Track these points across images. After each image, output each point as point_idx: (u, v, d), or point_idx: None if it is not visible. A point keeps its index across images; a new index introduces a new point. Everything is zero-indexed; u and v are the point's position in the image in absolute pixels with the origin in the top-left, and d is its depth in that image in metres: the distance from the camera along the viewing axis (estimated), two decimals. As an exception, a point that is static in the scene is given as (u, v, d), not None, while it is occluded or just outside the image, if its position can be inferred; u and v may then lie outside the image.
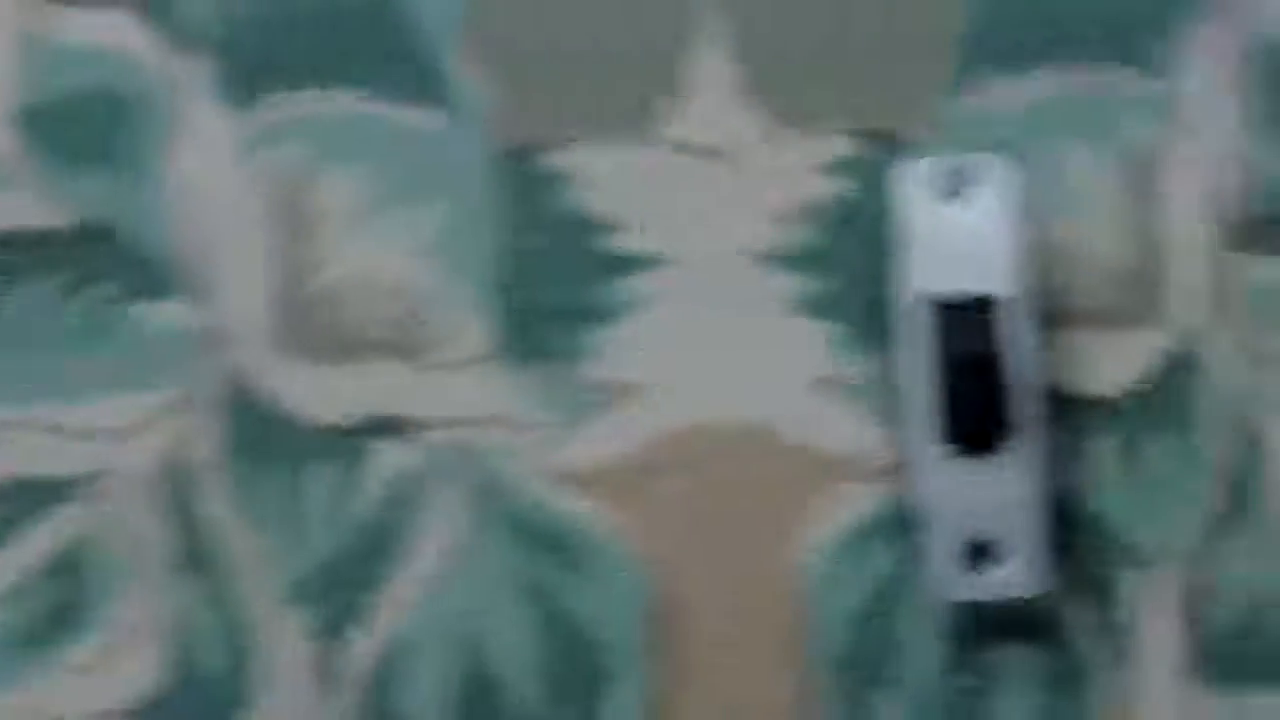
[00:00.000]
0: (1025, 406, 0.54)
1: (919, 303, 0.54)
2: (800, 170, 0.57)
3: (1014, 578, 0.55)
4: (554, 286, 0.58)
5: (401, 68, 0.58)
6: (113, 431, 0.58)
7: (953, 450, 0.54)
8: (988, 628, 0.57)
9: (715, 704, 0.57)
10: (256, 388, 0.58)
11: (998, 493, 0.55)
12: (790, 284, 0.57)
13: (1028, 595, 0.55)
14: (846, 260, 0.57)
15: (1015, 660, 0.57)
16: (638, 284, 0.58)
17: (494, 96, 0.58)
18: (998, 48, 0.57)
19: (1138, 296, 0.57)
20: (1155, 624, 0.57)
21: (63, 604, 0.58)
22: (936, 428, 0.54)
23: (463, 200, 0.58)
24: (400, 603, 0.57)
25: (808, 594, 0.57)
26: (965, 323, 0.54)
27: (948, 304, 0.54)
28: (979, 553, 0.55)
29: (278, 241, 0.58)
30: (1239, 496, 0.57)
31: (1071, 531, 0.57)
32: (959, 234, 0.55)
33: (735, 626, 0.57)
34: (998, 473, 0.55)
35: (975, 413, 0.54)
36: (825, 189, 0.57)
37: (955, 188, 0.55)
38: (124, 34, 0.58)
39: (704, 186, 0.58)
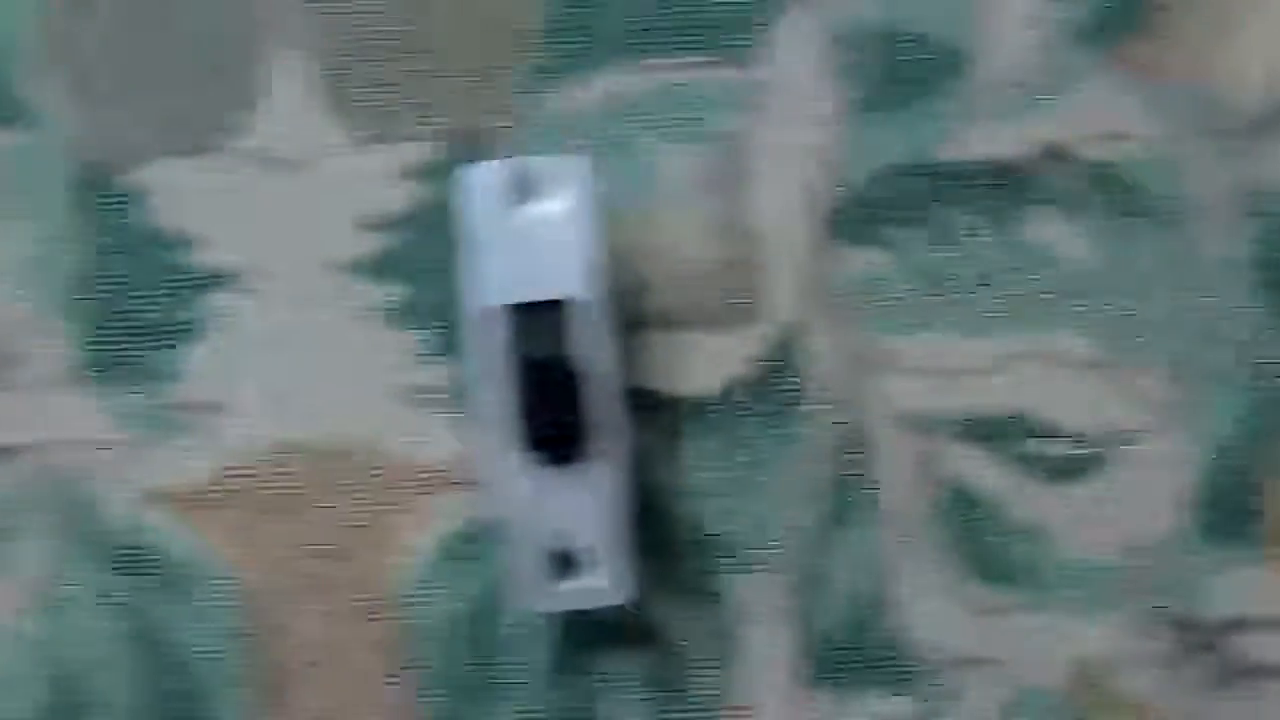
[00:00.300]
0: (606, 411, 0.54)
1: (491, 308, 0.54)
2: (382, 177, 0.58)
3: (599, 587, 0.55)
4: (138, 306, 0.58)
5: (-27, 87, 0.58)
6: None
7: (530, 458, 0.54)
8: (593, 635, 0.57)
9: (317, 726, 0.58)
10: None
11: (579, 501, 0.55)
12: (377, 293, 0.58)
13: (614, 604, 0.55)
14: (432, 267, 0.58)
15: (621, 667, 0.57)
16: (222, 300, 0.58)
17: (70, 114, 0.58)
18: (579, 43, 0.57)
19: (732, 293, 0.57)
20: (761, 627, 0.57)
21: None
22: (513, 435, 0.54)
23: (41, 221, 0.58)
24: (-12, 635, 0.58)
25: (408, 607, 0.57)
26: (537, 328, 0.54)
27: (519, 309, 0.54)
28: (562, 562, 0.55)
29: None
30: (843, 495, 0.57)
31: (673, 536, 0.57)
32: (530, 237, 0.55)
33: (335, 645, 0.57)
34: (579, 480, 0.55)
35: (551, 419, 0.54)
36: (408, 195, 0.58)
37: (526, 189, 0.55)
38: None
39: (286, 198, 0.58)
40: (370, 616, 0.57)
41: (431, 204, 0.57)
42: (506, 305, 0.54)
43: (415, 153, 0.57)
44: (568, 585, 0.55)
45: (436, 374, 0.57)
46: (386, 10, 0.58)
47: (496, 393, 0.54)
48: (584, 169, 0.55)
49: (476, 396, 0.56)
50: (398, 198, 0.58)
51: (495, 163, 0.55)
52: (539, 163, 0.55)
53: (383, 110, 0.58)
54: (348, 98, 0.58)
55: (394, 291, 0.57)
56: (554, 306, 0.54)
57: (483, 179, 0.55)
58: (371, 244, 0.58)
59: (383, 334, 0.57)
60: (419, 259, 0.57)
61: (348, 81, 0.58)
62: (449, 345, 0.57)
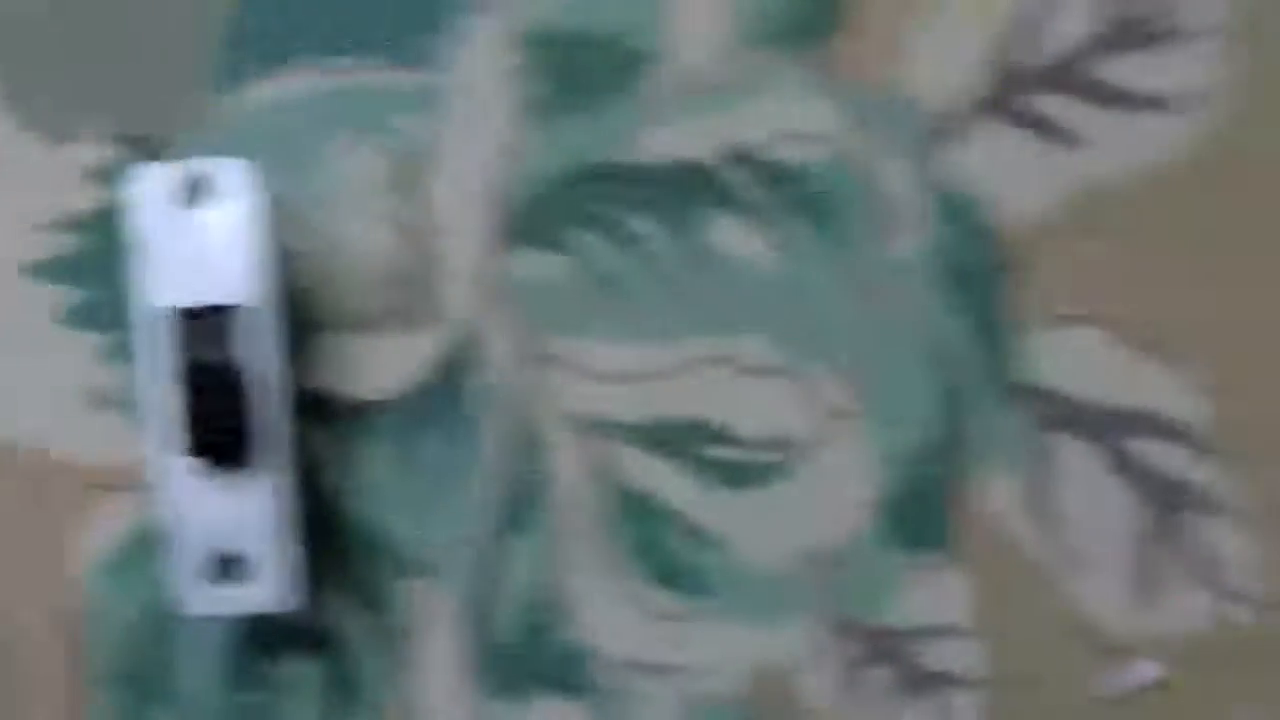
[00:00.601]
0: (273, 417, 0.56)
1: (158, 312, 0.56)
2: (61, 178, 0.59)
3: (262, 592, 0.56)
4: None
5: None
6: None
7: (195, 463, 0.56)
8: (268, 638, 0.59)
9: (-4, 730, 0.59)
10: None
11: (244, 506, 0.56)
12: (55, 295, 0.59)
13: (279, 609, 0.56)
14: (110, 270, 0.59)
15: (295, 672, 0.59)
16: (-98, 301, 0.59)
17: None
18: (261, 46, 0.58)
19: (411, 296, 0.58)
20: (435, 632, 0.59)
21: None
22: (178, 440, 0.56)
23: None
24: None
25: (84, 612, 0.59)
26: (203, 332, 0.55)
27: (185, 313, 0.55)
28: (226, 567, 0.56)
29: None
30: (519, 500, 0.58)
31: (347, 540, 0.58)
32: (198, 241, 0.56)
33: (10, 646, 0.59)
34: (243, 485, 0.56)
35: (215, 424, 0.55)
36: (86, 197, 0.59)
37: (196, 193, 0.56)
38: None
39: (-35, 198, 0.59)
40: (49, 621, 0.58)
41: (111, 206, 0.59)
42: (173, 309, 0.55)
43: (94, 155, 0.59)
44: (230, 590, 0.56)
45: (113, 376, 0.59)
46: (65, 10, 0.59)
47: (164, 397, 0.56)
48: (255, 173, 0.56)
49: (147, 400, 0.57)
50: (77, 200, 0.59)
51: (165, 166, 0.56)
52: (209, 166, 0.56)
53: (62, 111, 0.59)
54: (26, 98, 0.59)
55: (73, 293, 0.59)
56: (221, 311, 0.55)
57: (153, 182, 0.56)
58: (51, 245, 0.59)
59: (61, 335, 0.59)
60: (98, 261, 0.59)
61: (26, 81, 0.59)
62: (127, 349, 0.59)
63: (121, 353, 0.59)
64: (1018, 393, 0.58)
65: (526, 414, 0.58)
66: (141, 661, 0.58)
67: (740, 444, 0.58)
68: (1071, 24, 0.58)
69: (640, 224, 0.58)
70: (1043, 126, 0.58)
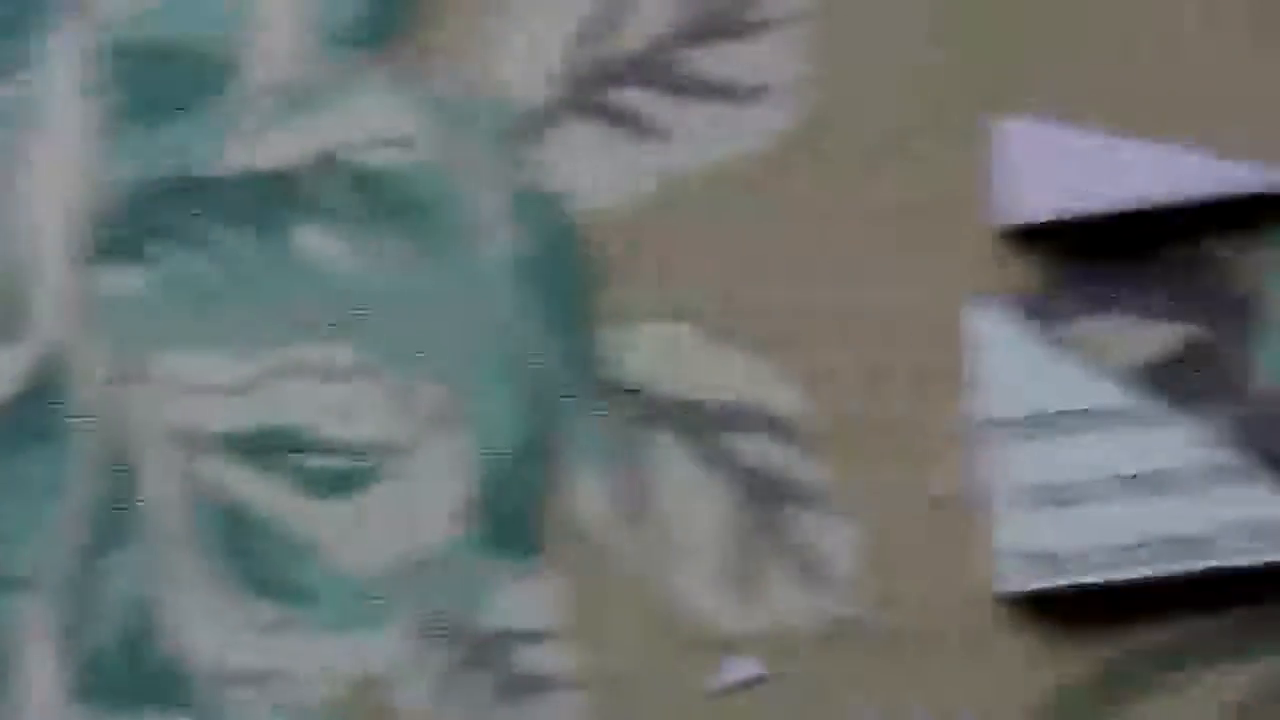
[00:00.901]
0: None
1: None
2: None
3: None
4: None
5: None
6: None
7: None
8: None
9: None
10: None
11: None
12: None
13: None
14: None
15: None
16: None
17: None
18: None
19: (-1, 314, 0.60)
20: (32, 651, 0.59)
21: None
22: None
23: None
24: None
25: None
26: None
27: None
28: None
29: None
30: (114, 515, 0.59)
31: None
32: None
33: None
34: None
35: None
36: None
37: None
38: None
39: None
40: None
41: None
42: None
43: None
44: None
45: None
46: None
47: None
48: None
49: None
50: None
51: None
52: None
53: None
54: None
55: None
56: None
57: None
58: None
59: None
60: None
61: None
62: None
63: None
64: (608, 392, 0.59)
65: (118, 428, 0.59)
66: None
67: (331, 451, 0.59)
68: (653, 15, 0.59)
69: (226, 234, 0.59)
70: (626, 121, 0.59)
